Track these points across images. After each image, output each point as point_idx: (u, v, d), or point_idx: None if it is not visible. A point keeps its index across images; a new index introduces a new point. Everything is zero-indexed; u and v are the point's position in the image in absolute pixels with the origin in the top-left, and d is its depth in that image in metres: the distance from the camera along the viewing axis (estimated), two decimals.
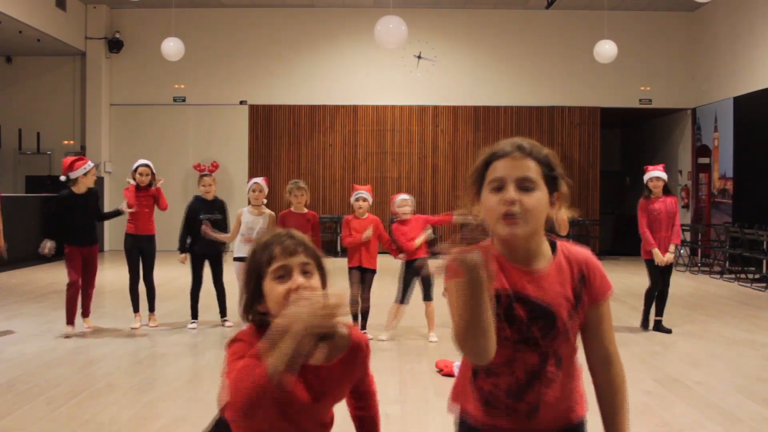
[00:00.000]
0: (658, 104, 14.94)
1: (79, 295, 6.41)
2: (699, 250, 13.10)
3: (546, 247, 1.71)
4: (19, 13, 12.11)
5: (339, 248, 13.38)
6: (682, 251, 12.33)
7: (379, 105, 14.85)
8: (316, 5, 14.75)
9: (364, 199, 6.23)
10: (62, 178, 6.43)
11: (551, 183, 1.67)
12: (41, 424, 4.02)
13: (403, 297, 6.19)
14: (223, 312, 6.94)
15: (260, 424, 1.54)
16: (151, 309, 6.92)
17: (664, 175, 6.75)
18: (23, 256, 11.24)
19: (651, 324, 6.88)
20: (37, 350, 5.83)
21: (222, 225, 6.71)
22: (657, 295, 6.83)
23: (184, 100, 14.95)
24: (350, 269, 6.23)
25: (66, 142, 15.29)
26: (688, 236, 12.87)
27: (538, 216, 1.63)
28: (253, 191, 6.37)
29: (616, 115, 15.57)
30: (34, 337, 6.31)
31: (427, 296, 6.20)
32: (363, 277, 6.18)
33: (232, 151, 14.64)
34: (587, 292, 1.70)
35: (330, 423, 1.74)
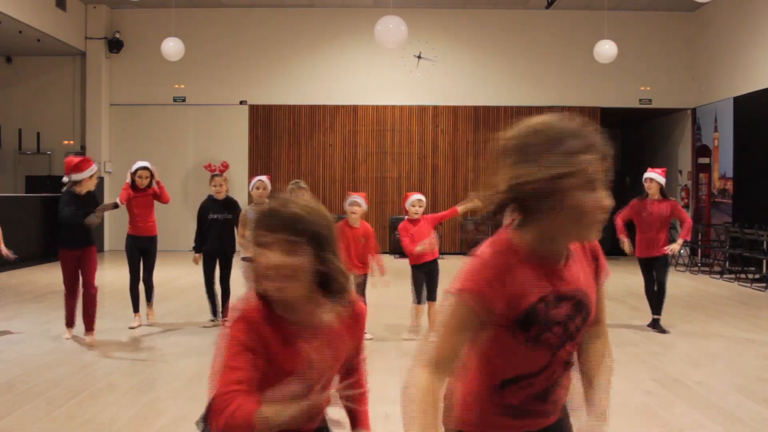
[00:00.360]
0: (658, 104, 14.94)
1: (79, 297, 6.25)
2: (699, 250, 13.10)
3: None
4: (19, 13, 12.10)
5: None
6: (682, 251, 12.31)
7: (379, 105, 14.84)
8: (316, 5, 14.75)
9: (359, 205, 6.17)
10: (65, 178, 6.19)
11: None
12: (41, 424, 4.02)
13: (418, 298, 6.32)
14: (224, 312, 6.94)
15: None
16: (149, 300, 6.97)
17: (658, 177, 6.70)
18: (23, 256, 11.23)
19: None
20: (37, 350, 5.83)
21: (234, 224, 6.77)
22: (653, 292, 6.83)
23: (184, 100, 14.95)
24: None
25: (66, 142, 15.29)
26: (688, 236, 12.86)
27: None
28: (257, 188, 6.48)
29: (616, 115, 15.55)
30: (34, 337, 6.32)
31: (431, 296, 6.29)
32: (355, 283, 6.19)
33: (232, 152, 14.60)
34: (599, 271, 1.72)
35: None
